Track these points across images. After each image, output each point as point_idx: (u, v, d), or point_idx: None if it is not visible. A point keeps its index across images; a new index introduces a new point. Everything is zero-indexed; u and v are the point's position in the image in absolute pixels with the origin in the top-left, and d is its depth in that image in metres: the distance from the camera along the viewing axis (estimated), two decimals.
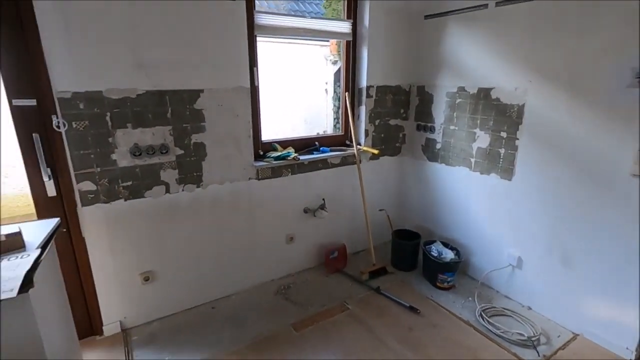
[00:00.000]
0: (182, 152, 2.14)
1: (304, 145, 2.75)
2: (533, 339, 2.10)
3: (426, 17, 2.77)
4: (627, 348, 1.99)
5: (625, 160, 1.86)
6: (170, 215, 2.19)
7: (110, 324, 2.15)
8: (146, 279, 2.20)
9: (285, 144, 2.66)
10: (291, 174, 2.60)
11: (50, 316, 1.41)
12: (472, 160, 2.62)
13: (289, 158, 2.51)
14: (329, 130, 2.97)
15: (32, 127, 1.74)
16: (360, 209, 2.87)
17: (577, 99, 2.01)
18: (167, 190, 2.15)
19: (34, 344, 1.18)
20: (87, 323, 2.10)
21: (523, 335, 2.13)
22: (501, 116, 2.39)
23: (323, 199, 2.76)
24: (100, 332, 2.14)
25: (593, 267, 2.07)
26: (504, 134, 2.39)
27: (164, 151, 2.08)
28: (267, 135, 2.58)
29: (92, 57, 1.79)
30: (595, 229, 2.03)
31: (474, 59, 2.50)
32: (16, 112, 1.71)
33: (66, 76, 1.75)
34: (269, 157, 2.49)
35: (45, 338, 1.22)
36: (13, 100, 1.69)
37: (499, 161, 2.45)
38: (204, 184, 2.26)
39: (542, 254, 2.30)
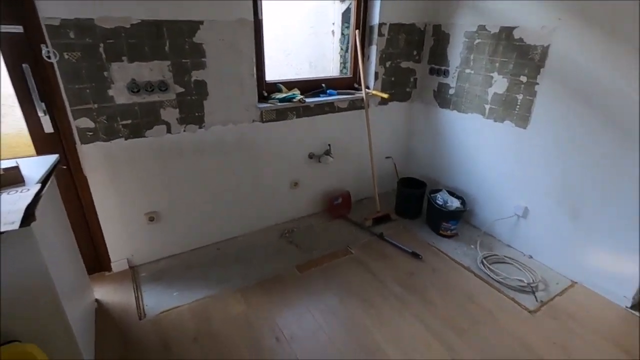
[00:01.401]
0: (183, 90, 2.03)
1: (311, 87, 2.61)
2: (532, 285, 2.14)
3: None
4: (624, 296, 2.03)
5: None
6: (173, 157, 2.14)
7: (118, 261, 2.20)
8: (151, 219, 2.21)
9: (290, 85, 2.53)
10: (296, 117, 2.50)
11: (56, 250, 1.42)
12: (487, 106, 2.49)
13: (294, 100, 2.40)
14: (335, 75, 2.81)
15: (20, 56, 1.63)
16: (366, 156, 2.80)
17: (613, 42, 1.84)
18: (169, 130, 2.08)
19: (42, 276, 1.20)
20: (95, 259, 2.15)
21: (522, 281, 2.17)
22: (523, 59, 2.22)
23: (329, 145, 2.69)
24: (109, 269, 2.20)
25: (601, 220, 2.05)
26: (523, 78, 2.24)
27: (163, 88, 1.97)
28: (270, 76, 2.44)
29: None
30: (610, 181, 1.97)
31: None
32: (2, 39, 1.58)
33: (52, 0, 1.60)
34: (273, 98, 2.38)
35: (53, 271, 1.23)
36: None
37: (515, 108, 2.33)
38: (206, 125, 2.18)
39: (550, 205, 2.27)
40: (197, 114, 2.13)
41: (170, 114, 2.05)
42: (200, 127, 2.17)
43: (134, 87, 1.89)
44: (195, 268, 2.27)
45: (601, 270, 2.11)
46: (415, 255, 2.41)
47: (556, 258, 2.31)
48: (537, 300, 2.05)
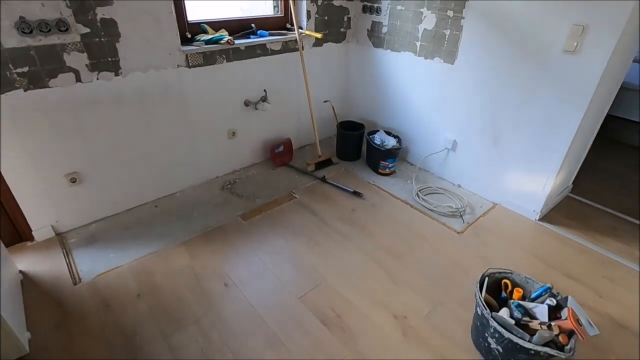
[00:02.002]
0: (88, 30, 1.78)
1: (240, 27, 2.44)
2: (460, 210, 2.36)
3: None
4: (534, 210, 2.32)
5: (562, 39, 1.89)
6: (89, 110, 1.92)
7: (40, 229, 2.01)
8: (73, 181, 2.02)
9: (216, 25, 2.33)
10: (226, 61, 2.34)
11: None
12: (418, 44, 2.53)
13: (222, 42, 2.23)
14: (266, 14, 2.63)
15: None
16: (305, 101, 2.75)
17: None
18: (78, 79, 1.84)
19: None
20: (12, 229, 1.94)
21: (452, 207, 2.38)
22: None
23: (264, 91, 2.59)
24: (31, 238, 2.00)
25: (516, 145, 2.26)
26: (450, 13, 2.28)
27: (63, 29, 1.71)
28: (193, 15, 2.22)
29: None
30: (524, 110, 2.16)
31: None
32: None
33: None
34: (198, 40, 2.19)
35: None
36: None
37: (443, 43, 2.39)
38: (124, 72, 1.96)
39: (475, 135, 2.45)
40: (110, 60, 1.90)
41: (77, 60, 1.80)
42: (116, 75, 1.95)
43: (25, 27, 1.61)
44: (132, 228, 2.15)
45: (516, 191, 2.37)
46: (356, 194, 2.50)
47: (480, 184, 2.54)
48: (464, 222, 2.28)
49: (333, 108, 2.95)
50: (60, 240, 2.04)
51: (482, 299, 1.42)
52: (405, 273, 1.91)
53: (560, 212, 2.41)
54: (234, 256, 1.98)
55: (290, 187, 2.59)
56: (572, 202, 2.54)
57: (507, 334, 1.30)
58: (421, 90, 2.65)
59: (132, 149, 2.17)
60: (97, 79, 1.90)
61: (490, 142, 2.39)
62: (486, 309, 1.38)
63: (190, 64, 2.18)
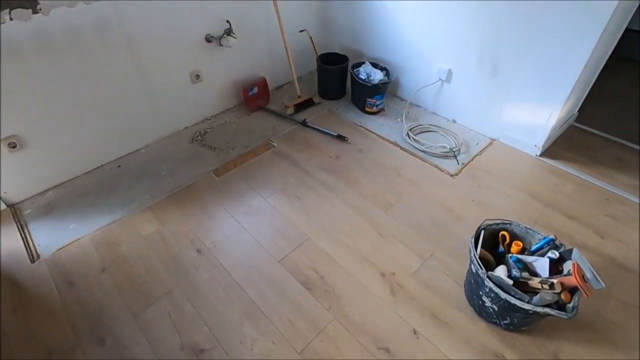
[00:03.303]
0: None
1: None
2: (454, 149, 2.14)
3: None
4: (535, 145, 2.11)
5: None
6: (7, 60, 1.58)
7: None
8: (12, 146, 1.75)
9: None
10: None
11: None
12: None
13: None
14: None
15: None
16: (277, 32, 2.36)
17: None
18: None
19: None
20: None
21: (445, 147, 2.16)
22: None
23: (228, 22, 2.19)
24: None
25: (519, 72, 1.97)
26: None
27: None
28: None
29: None
30: (531, 29, 1.82)
31: None
32: None
33: None
34: None
35: None
36: None
37: None
38: (43, 8, 1.58)
39: (472, 64, 2.14)
40: None
41: None
42: (35, 12, 1.57)
43: None
44: (92, 193, 1.95)
45: (516, 124, 2.14)
46: (340, 137, 2.26)
47: (477, 119, 2.30)
48: (458, 164, 2.08)
49: (311, 38, 2.56)
50: (13, 212, 1.84)
51: (477, 257, 1.28)
52: (393, 225, 1.76)
53: (562, 145, 2.21)
54: (206, 219, 1.80)
55: (268, 134, 2.34)
56: (576, 133, 2.32)
57: (503, 295, 1.18)
58: (411, 14, 2.25)
59: (76, 105, 1.86)
60: (10, 18, 1.53)
61: (489, 71, 2.09)
62: (481, 269, 1.24)
63: None
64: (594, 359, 1.28)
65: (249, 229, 1.74)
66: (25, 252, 1.66)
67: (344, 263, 1.59)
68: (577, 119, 2.40)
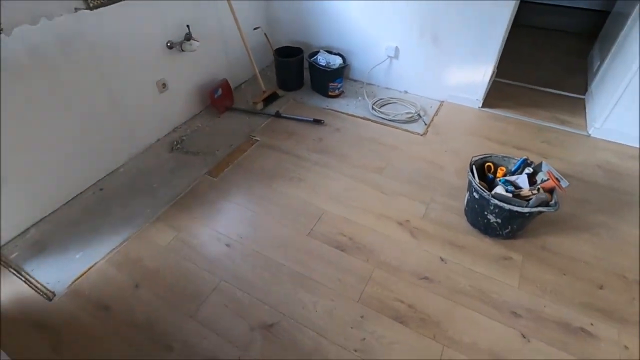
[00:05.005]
0: None
1: None
2: (417, 113, 2.47)
3: None
4: (476, 99, 2.54)
5: None
6: None
7: None
8: None
9: None
10: None
11: None
12: None
13: None
14: None
15: None
16: (230, 33, 2.42)
17: None
18: None
19: None
20: None
21: (410, 113, 2.47)
22: None
23: (187, 26, 2.19)
24: None
25: (456, 39, 2.35)
26: None
27: None
28: None
29: None
30: (462, 6, 2.20)
31: None
32: None
33: None
34: None
35: None
36: None
37: None
38: (5, 28, 1.46)
39: (415, 38, 2.47)
40: None
41: None
42: None
43: None
44: (83, 221, 1.82)
45: (459, 85, 2.54)
46: (317, 121, 2.43)
47: (425, 86, 2.66)
48: (425, 124, 2.41)
49: (266, 35, 2.67)
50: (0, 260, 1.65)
51: (478, 184, 1.57)
52: (390, 183, 2.00)
53: (494, 96, 2.68)
54: (220, 215, 1.84)
55: (246, 131, 2.40)
56: (499, 86, 2.82)
57: (507, 207, 1.49)
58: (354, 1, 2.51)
59: (46, 130, 1.73)
60: None
61: (430, 41, 2.44)
62: (485, 191, 1.54)
63: (92, 5, 1.71)
64: (568, 241, 1.67)
65: (267, 216, 1.83)
66: (37, 293, 1.52)
67: (364, 222, 1.78)
68: (497, 75, 2.92)
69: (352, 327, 1.38)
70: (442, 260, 1.61)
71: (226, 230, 1.76)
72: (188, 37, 2.21)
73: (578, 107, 2.59)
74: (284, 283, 1.54)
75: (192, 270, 1.59)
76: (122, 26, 1.89)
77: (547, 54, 3.33)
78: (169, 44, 2.17)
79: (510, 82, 2.87)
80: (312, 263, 1.61)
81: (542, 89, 2.79)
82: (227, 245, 1.69)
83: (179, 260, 1.63)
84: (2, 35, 1.46)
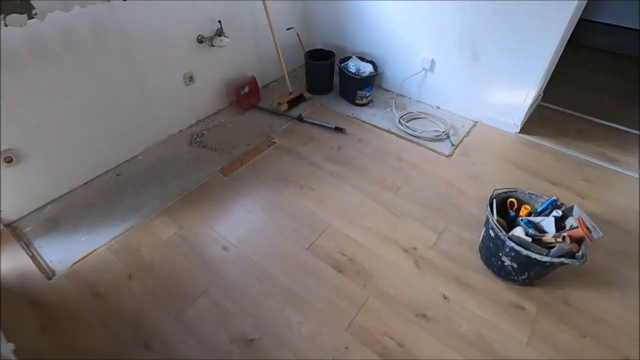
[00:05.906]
0: None
1: None
2: (446, 132, 2.32)
3: None
4: (514, 124, 2.34)
5: None
6: (2, 67, 1.50)
7: None
8: (9, 160, 1.65)
9: None
10: None
11: None
12: None
13: None
14: None
15: None
16: (263, 32, 2.40)
17: None
18: None
19: None
20: None
21: (438, 131, 2.33)
22: None
23: (219, 22, 2.19)
24: None
25: (498, 56, 2.17)
26: None
27: None
28: None
29: None
30: (506, 15, 2.02)
31: None
32: None
33: None
34: None
35: None
36: None
37: None
38: (40, 13, 1.52)
39: (454, 52, 2.32)
40: None
41: None
42: (30, 17, 1.50)
43: None
44: (97, 204, 1.88)
45: (497, 106, 2.35)
46: (339, 129, 2.35)
47: (459, 103, 2.49)
48: (452, 145, 2.25)
49: (298, 35, 2.62)
50: (14, 231, 1.73)
51: (496, 222, 1.43)
52: (404, 204, 1.88)
53: (534, 122, 2.46)
54: (225, 217, 1.82)
55: (266, 131, 2.37)
56: (543, 111, 2.59)
57: (524, 252, 1.34)
58: (393, 6, 2.39)
59: (73, 112, 1.79)
60: (5, 24, 1.45)
61: (470, 57, 2.28)
62: (501, 232, 1.39)
63: None
64: (594, 297, 1.48)
65: (271, 222, 1.78)
66: (38, 270, 1.58)
67: (368, 244, 1.69)
68: (543, 99, 2.68)
69: (333, 358, 1.30)
70: (444, 297, 1.49)
71: (226, 232, 1.73)
72: (219, 32, 2.21)
73: (630, 143, 2.31)
74: (273, 297, 1.49)
75: (185, 269, 1.58)
76: (154, 17, 1.91)
77: (604, 79, 3.02)
78: (199, 38, 2.18)
79: (557, 107, 2.62)
80: (306, 280, 1.54)
81: (592, 118, 2.53)
82: (225, 248, 1.67)
83: (175, 257, 1.63)
84: (36, 19, 1.51)
